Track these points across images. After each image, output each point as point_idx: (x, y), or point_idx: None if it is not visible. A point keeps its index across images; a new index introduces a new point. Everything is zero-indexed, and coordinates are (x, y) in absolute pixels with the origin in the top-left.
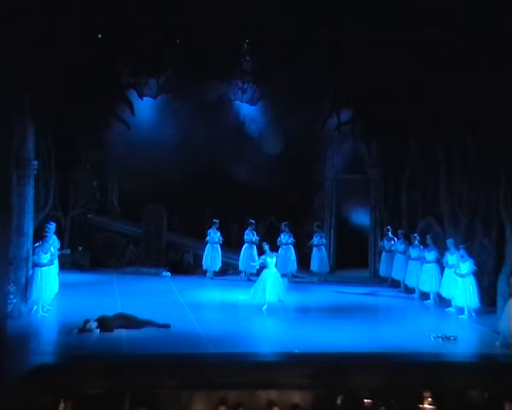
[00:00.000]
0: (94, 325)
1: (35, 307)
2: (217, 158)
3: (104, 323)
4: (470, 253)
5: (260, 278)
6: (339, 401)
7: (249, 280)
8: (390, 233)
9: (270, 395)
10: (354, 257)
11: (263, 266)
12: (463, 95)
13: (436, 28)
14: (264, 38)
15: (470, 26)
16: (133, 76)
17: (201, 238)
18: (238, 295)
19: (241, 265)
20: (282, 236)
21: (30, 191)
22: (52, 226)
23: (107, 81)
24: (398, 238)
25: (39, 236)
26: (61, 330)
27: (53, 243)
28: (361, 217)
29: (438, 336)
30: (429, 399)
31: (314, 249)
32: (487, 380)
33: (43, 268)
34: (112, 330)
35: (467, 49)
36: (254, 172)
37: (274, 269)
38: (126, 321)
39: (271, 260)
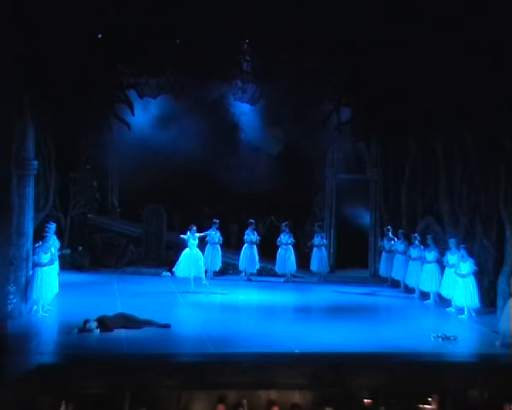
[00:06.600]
0: (94, 324)
1: (35, 307)
2: (217, 158)
3: (104, 323)
4: (470, 253)
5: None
6: None
7: (249, 280)
8: (390, 233)
9: (270, 395)
10: (354, 257)
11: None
12: (463, 94)
13: (436, 28)
14: (264, 38)
15: (470, 26)
16: (133, 76)
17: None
18: (238, 295)
19: (241, 265)
20: (281, 236)
21: (30, 191)
22: (52, 226)
23: (108, 81)
24: (398, 238)
25: (39, 236)
26: (60, 330)
27: (53, 244)
28: (361, 217)
29: (438, 336)
30: (429, 399)
31: (314, 249)
32: (487, 380)
33: (44, 268)
34: (112, 330)
35: (466, 48)
36: (254, 172)
37: (195, 251)
38: (126, 321)
39: (194, 242)
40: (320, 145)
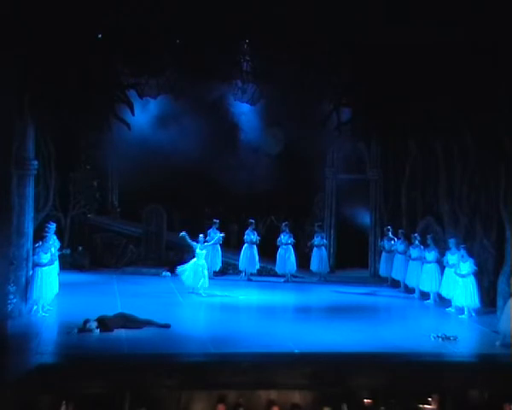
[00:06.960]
0: (94, 324)
1: (35, 307)
2: (217, 158)
3: (104, 323)
4: (470, 253)
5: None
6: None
7: (249, 280)
8: (390, 233)
9: (270, 395)
10: (354, 257)
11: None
12: (463, 94)
13: (436, 28)
14: (264, 38)
15: (470, 26)
16: (133, 76)
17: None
18: (238, 295)
19: (241, 265)
20: (282, 236)
21: (30, 191)
22: (52, 226)
23: (108, 81)
24: (398, 238)
25: (39, 236)
26: (61, 330)
27: (53, 244)
28: (361, 217)
29: (438, 336)
30: (429, 399)
31: (314, 249)
32: (487, 380)
33: (44, 268)
34: (112, 330)
35: (466, 48)
36: (254, 172)
37: (202, 261)
38: (126, 321)
39: (201, 252)
40: (320, 145)
